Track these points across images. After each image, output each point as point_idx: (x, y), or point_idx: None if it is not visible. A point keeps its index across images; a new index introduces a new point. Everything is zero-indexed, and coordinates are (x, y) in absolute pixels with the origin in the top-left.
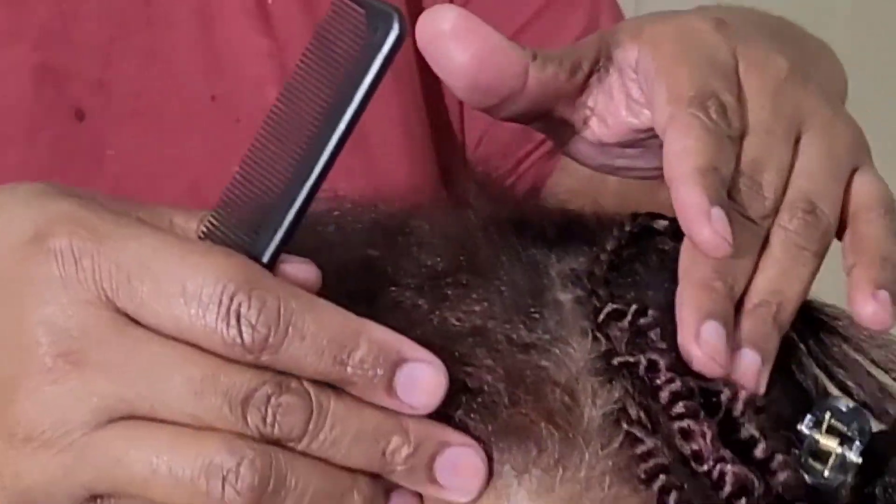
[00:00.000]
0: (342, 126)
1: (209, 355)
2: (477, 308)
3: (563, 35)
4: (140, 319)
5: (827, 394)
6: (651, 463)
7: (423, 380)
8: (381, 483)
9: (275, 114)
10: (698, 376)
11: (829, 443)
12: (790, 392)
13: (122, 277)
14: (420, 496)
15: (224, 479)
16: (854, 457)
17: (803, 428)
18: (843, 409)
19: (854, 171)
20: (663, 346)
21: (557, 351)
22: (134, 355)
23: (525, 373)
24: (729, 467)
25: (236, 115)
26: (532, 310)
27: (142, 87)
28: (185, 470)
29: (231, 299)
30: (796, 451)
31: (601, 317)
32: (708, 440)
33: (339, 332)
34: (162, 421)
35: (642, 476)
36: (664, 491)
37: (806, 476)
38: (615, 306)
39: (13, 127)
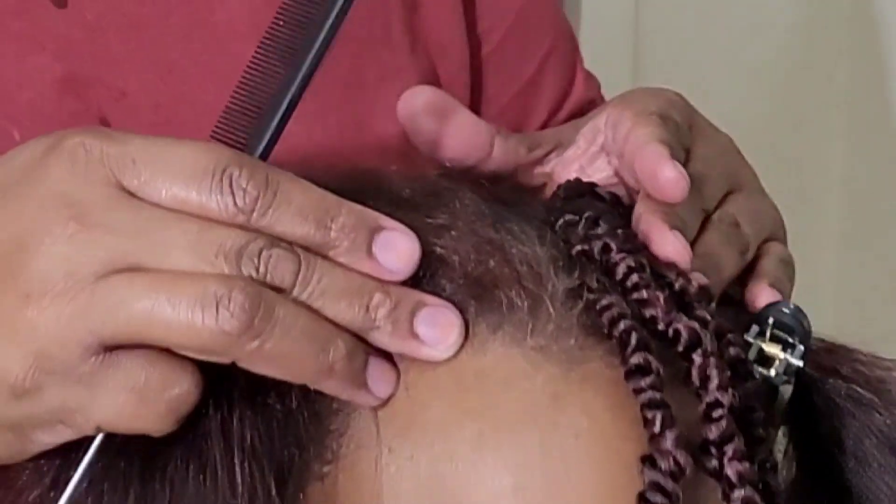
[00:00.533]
0: (320, 39)
1: (205, 218)
2: (445, 213)
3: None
4: (144, 197)
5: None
6: (612, 312)
7: (400, 245)
8: (363, 346)
9: (269, 33)
10: (648, 255)
11: (773, 350)
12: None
13: (128, 160)
14: (396, 366)
15: (217, 303)
16: (796, 360)
17: (749, 337)
18: (786, 312)
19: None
20: (615, 232)
21: (521, 247)
22: (137, 217)
23: (494, 252)
24: (682, 324)
25: None
26: (495, 222)
27: (160, 98)
28: (181, 302)
29: (223, 170)
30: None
31: (559, 223)
32: (661, 303)
33: (322, 201)
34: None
35: (605, 325)
36: (626, 334)
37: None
38: (570, 216)
39: (39, 134)
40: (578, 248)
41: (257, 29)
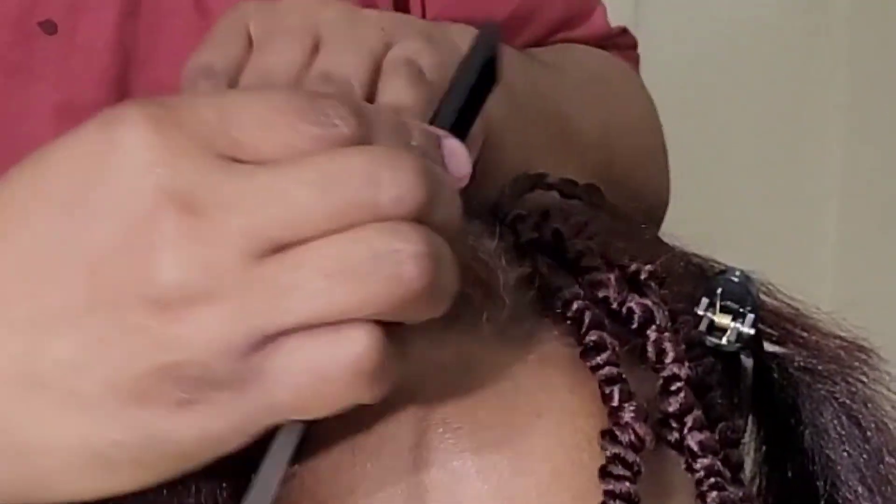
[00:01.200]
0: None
1: (314, 159)
2: None
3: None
4: (246, 157)
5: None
6: (565, 293)
7: (457, 149)
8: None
9: None
10: (599, 242)
11: (724, 320)
12: (692, 273)
13: (211, 122)
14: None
15: (392, 256)
16: (747, 328)
17: (699, 310)
18: (734, 281)
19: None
20: (565, 221)
21: (471, 241)
22: (252, 184)
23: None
24: (635, 302)
25: None
26: None
27: None
28: (356, 259)
29: (312, 103)
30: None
31: (508, 217)
32: (613, 283)
33: (396, 122)
34: (305, 240)
35: (558, 306)
36: (579, 314)
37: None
38: (519, 210)
39: None
40: (528, 237)
41: None
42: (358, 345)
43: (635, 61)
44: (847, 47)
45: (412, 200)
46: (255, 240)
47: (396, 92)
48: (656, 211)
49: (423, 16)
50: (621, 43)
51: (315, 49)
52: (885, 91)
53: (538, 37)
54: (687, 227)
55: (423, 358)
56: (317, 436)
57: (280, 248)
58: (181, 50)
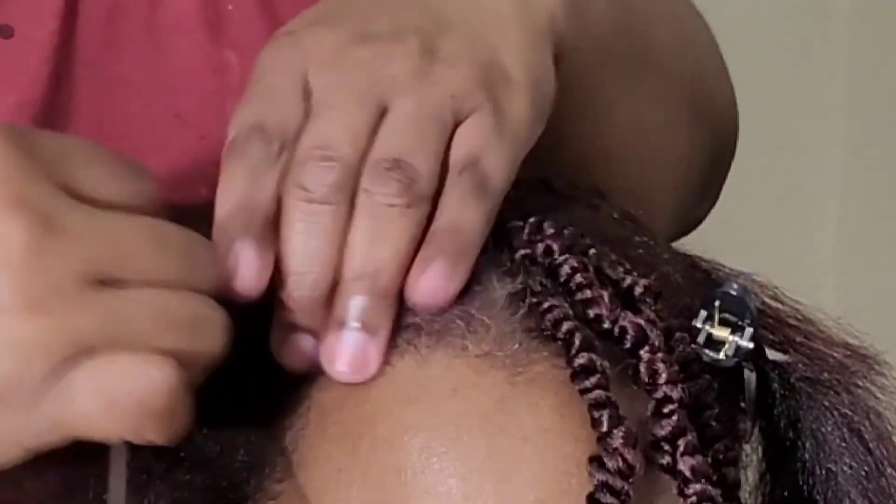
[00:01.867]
0: None
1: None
2: None
3: None
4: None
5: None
6: (554, 313)
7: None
8: None
9: None
10: (594, 255)
11: (722, 333)
12: (694, 282)
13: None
14: None
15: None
16: (745, 342)
17: (697, 323)
18: (733, 294)
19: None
20: (559, 235)
21: None
22: (95, 219)
23: None
24: (628, 321)
25: (201, 132)
26: None
27: (105, 112)
28: (176, 312)
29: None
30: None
31: (503, 229)
32: (606, 301)
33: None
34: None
35: (548, 327)
36: (569, 335)
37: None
38: (514, 223)
39: None
40: (521, 252)
41: (198, 26)
42: (150, 379)
43: None
44: (847, 48)
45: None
46: (95, 267)
47: (458, 208)
48: (733, 136)
49: None
50: None
51: (381, 113)
52: (884, 91)
53: None
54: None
55: (408, 378)
56: (304, 458)
57: (112, 283)
58: (132, 45)
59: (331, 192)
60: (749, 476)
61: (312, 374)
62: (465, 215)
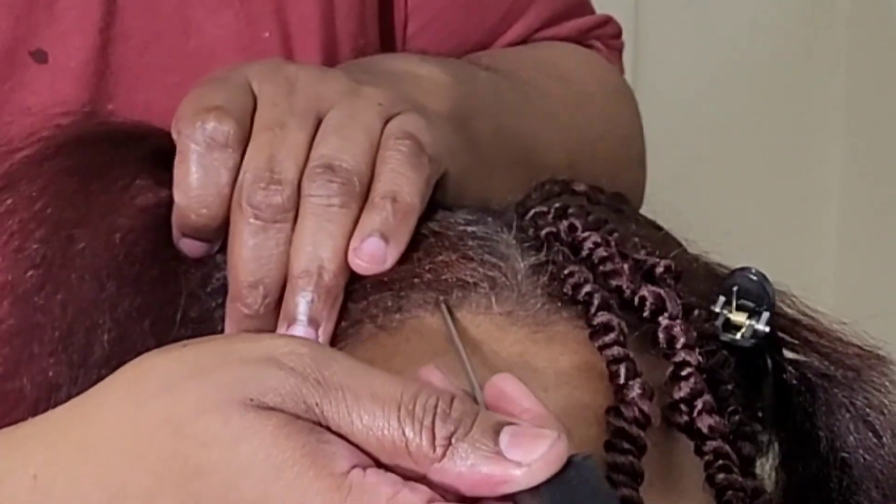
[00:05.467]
0: None
1: None
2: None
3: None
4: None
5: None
6: (575, 277)
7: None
8: None
9: None
10: (617, 238)
11: (739, 318)
12: (712, 273)
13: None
14: None
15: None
16: (762, 326)
17: (716, 307)
18: (752, 279)
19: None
20: (583, 216)
21: (487, 231)
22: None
23: (466, 248)
24: (646, 290)
25: None
26: (469, 216)
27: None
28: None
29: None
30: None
31: (529, 214)
32: (626, 273)
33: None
34: None
35: (569, 291)
36: (589, 296)
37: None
38: (540, 207)
39: None
40: (546, 230)
41: (234, 52)
42: None
43: (619, 50)
44: (847, 47)
45: None
46: None
47: (396, 174)
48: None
49: (405, 24)
50: (605, 33)
51: (318, 125)
52: (884, 91)
53: (524, 35)
54: (686, 227)
55: (434, 333)
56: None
57: None
58: (165, 73)
59: (278, 212)
60: (767, 468)
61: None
62: (401, 180)
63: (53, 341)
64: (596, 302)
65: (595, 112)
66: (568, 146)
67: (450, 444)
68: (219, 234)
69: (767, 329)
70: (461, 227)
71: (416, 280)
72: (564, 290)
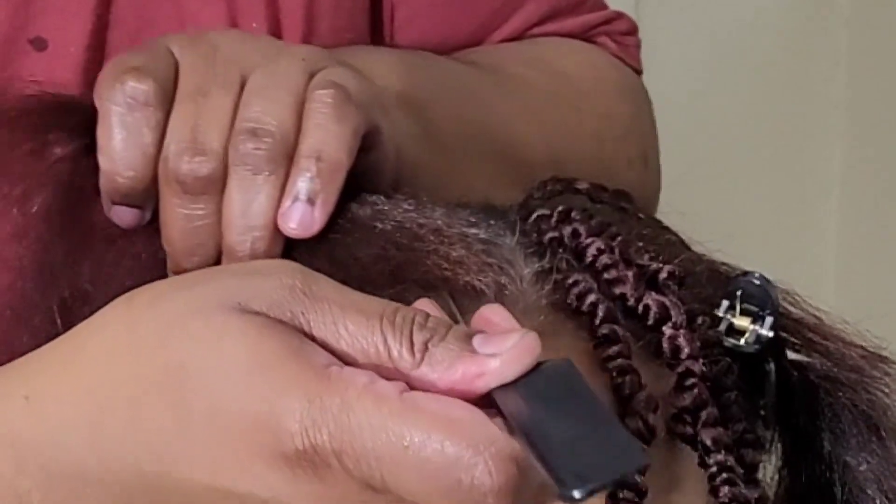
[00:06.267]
0: None
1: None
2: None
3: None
4: None
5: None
6: (579, 287)
7: None
8: None
9: None
10: (620, 242)
11: (743, 322)
12: (716, 276)
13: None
14: None
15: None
16: (766, 331)
17: (719, 312)
18: (755, 284)
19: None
20: (586, 221)
21: (490, 237)
22: None
23: (469, 256)
24: (651, 299)
25: None
26: (467, 218)
27: None
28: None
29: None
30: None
31: (532, 217)
32: (630, 280)
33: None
34: None
35: (573, 301)
36: (593, 307)
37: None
38: (543, 210)
39: None
40: (549, 235)
41: None
42: None
43: (634, 47)
44: (847, 47)
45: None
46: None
47: (320, 130)
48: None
49: (392, 16)
50: (615, 30)
51: (242, 88)
52: (884, 91)
53: (522, 30)
54: (686, 227)
55: None
56: None
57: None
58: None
59: (205, 183)
60: (769, 468)
61: None
62: (326, 136)
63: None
64: (600, 313)
65: (587, 109)
66: (551, 142)
67: (427, 349)
68: (148, 200)
69: (771, 334)
70: (464, 228)
71: (427, 278)
72: (569, 300)
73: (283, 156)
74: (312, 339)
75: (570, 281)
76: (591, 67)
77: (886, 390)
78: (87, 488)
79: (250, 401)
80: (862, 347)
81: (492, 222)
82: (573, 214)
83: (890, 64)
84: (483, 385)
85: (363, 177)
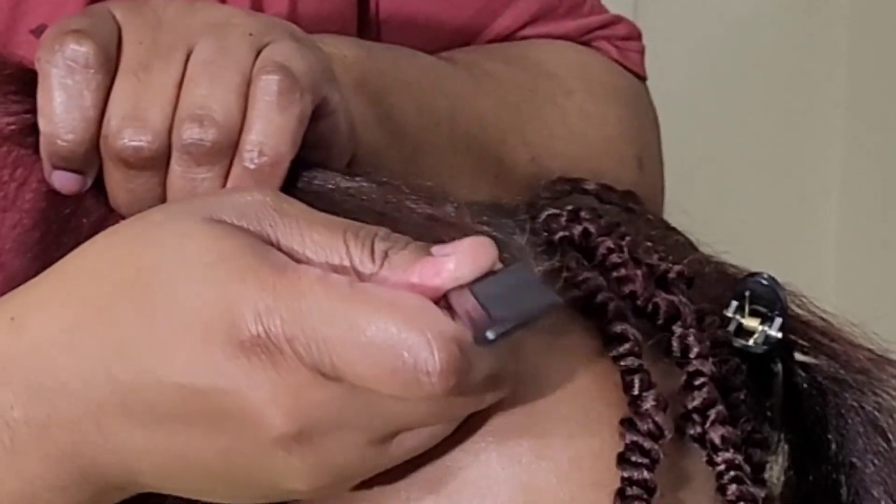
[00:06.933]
0: None
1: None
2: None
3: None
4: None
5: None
6: (589, 285)
7: None
8: None
9: None
10: (630, 242)
11: (752, 323)
12: (724, 277)
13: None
14: None
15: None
16: (774, 332)
17: (728, 313)
18: (764, 284)
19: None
20: (596, 220)
21: (500, 236)
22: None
23: None
24: (661, 298)
25: None
26: (477, 216)
27: None
28: None
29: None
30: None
31: (541, 216)
32: (640, 279)
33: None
34: None
35: (583, 298)
36: (603, 306)
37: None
38: (552, 210)
39: None
40: (559, 234)
41: None
42: None
43: (636, 52)
44: (847, 47)
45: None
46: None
47: (263, 121)
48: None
49: (377, 6)
50: (614, 34)
51: (187, 60)
52: (884, 90)
53: (512, 29)
54: (685, 227)
55: None
56: None
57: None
58: None
59: (147, 162)
60: (776, 469)
61: None
62: (269, 128)
63: None
64: (610, 311)
65: (572, 107)
66: (528, 139)
67: (387, 256)
68: (89, 164)
69: (780, 335)
70: (475, 225)
71: None
72: (579, 299)
73: (226, 146)
74: (279, 248)
75: (580, 279)
76: (579, 67)
77: (894, 393)
78: (63, 401)
79: (208, 292)
80: (869, 350)
81: (502, 221)
82: (583, 214)
83: (890, 63)
84: (439, 285)
85: (313, 149)
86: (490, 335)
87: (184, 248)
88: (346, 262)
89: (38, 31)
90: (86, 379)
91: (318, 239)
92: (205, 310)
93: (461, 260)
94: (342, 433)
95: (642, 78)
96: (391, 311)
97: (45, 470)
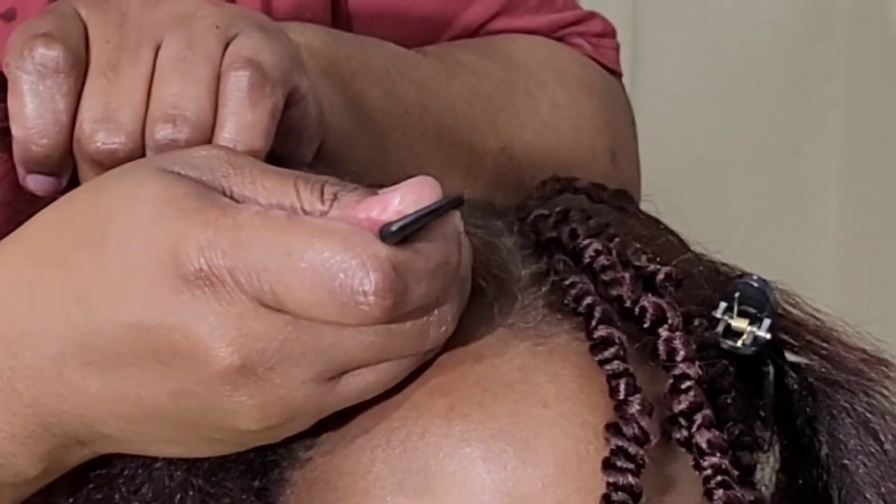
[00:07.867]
0: None
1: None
2: None
3: None
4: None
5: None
6: (577, 289)
7: None
8: None
9: None
10: (618, 243)
11: (741, 324)
12: (714, 277)
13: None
14: None
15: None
16: (763, 333)
17: (717, 314)
18: (753, 286)
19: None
20: (584, 221)
21: (487, 237)
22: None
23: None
24: (648, 301)
25: None
26: (472, 218)
27: None
28: None
29: None
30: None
31: (530, 217)
32: (627, 282)
33: None
34: None
35: (570, 302)
36: (589, 309)
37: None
38: (541, 210)
39: None
40: (547, 236)
41: None
42: None
43: (611, 49)
44: (846, 47)
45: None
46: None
47: (235, 119)
48: None
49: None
50: (588, 31)
51: (155, 55)
52: (883, 90)
53: (483, 19)
54: (685, 227)
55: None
56: (329, 423)
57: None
58: None
59: (121, 163)
60: (767, 469)
61: None
62: (241, 125)
63: None
64: (597, 315)
65: (544, 98)
66: (500, 129)
67: (336, 197)
68: (64, 167)
69: (768, 336)
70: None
71: None
72: (566, 301)
73: (200, 144)
74: (231, 197)
75: (568, 282)
76: (550, 59)
77: (886, 393)
78: (26, 349)
79: (156, 232)
80: (862, 350)
81: (491, 222)
82: (571, 215)
83: (889, 63)
84: (385, 220)
85: (284, 136)
86: (393, 228)
87: (136, 195)
88: (297, 205)
89: (7, 16)
90: (46, 328)
91: (270, 185)
92: (153, 250)
93: (406, 195)
94: (287, 367)
95: (618, 74)
96: (326, 237)
97: (4, 421)
